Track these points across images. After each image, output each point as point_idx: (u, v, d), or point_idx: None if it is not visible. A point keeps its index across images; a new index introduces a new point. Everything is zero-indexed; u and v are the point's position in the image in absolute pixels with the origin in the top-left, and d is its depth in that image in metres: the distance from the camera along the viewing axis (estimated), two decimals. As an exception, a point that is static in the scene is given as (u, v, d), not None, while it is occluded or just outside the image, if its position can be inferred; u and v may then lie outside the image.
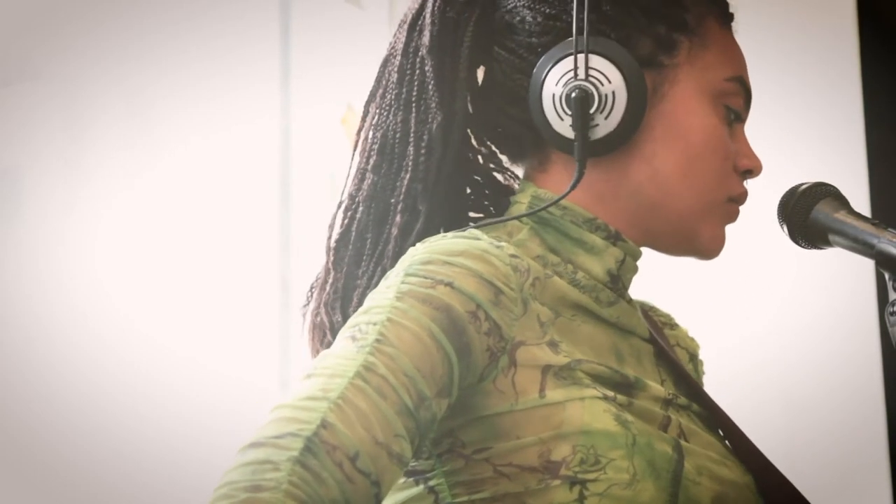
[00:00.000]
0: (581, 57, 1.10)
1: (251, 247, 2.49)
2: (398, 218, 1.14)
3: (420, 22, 1.17)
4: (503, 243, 1.07)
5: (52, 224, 2.15)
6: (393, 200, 1.15)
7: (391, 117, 1.16)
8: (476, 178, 1.22)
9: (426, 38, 1.16)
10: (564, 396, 1.04)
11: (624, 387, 1.09)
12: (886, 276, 1.06)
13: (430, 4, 1.17)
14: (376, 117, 1.17)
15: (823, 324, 2.52)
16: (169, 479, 2.19)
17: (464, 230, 1.08)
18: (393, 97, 1.17)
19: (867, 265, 2.38)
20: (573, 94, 1.10)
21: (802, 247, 1.16)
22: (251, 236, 2.49)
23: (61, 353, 2.11)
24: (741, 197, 1.18)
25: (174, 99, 2.35)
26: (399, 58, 1.17)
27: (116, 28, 2.27)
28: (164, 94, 2.33)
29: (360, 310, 1.03)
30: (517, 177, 1.22)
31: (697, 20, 1.16)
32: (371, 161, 1.16)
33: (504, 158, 1.23)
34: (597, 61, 1.11)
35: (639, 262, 1.19)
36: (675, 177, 1.14)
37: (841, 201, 1.13)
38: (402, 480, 1.07)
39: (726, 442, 1.17)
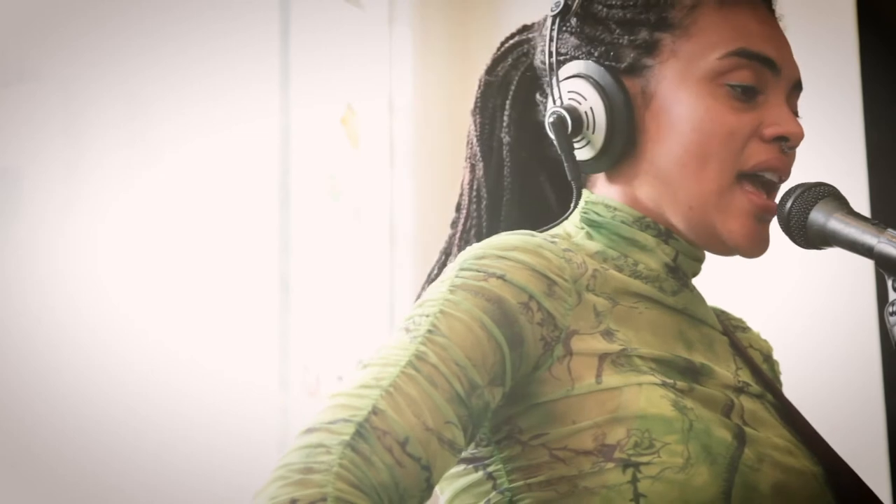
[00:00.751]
0: (556, 85, 1.20)
1: (250, 247, 2.48)
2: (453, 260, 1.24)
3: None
4: (557, 239, 1.13)
5: (52, 225, 2.15)
6: (455, 248, 1.26)
7: (464, 176, 1.29)
8: (553, 209, 1.30)
9: (472, 101, 1.29)
10: (621, 382, 1.07)
11: (689, 372, 1.11)
12: (886, 276, 1.06)
13: (483, 68, 1.31)
14: (461, 179, 1.31)
15: (823, 324, 2.52)
16: (169, 479, 2.19)
17: (519, 230, 1.15)
18: (465, 159, 1.30)
19: (867, 265, 2.38)
20: (550, 121, 1.19)
21: (802, 247, 1.16)
22: (251, 236, 2.49)
23: (60, 353, 2.11)
24: (759, 167, 1.17)
25: (174, 99, 2.35)
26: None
27: (116, 29, 2.26)
28: (164, 95, 2.33)
29: (417, 303, 1.08)
30: None
31: (685, 12, 1.19)
32: (452, 217, 1.29)
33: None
34: (576, 83, 1.19)
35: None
36: (674, 169, 1.17)
37: (840, 201, 1.13)
38: (461, 467, 1.11)
39: (799, 435, 1.18)
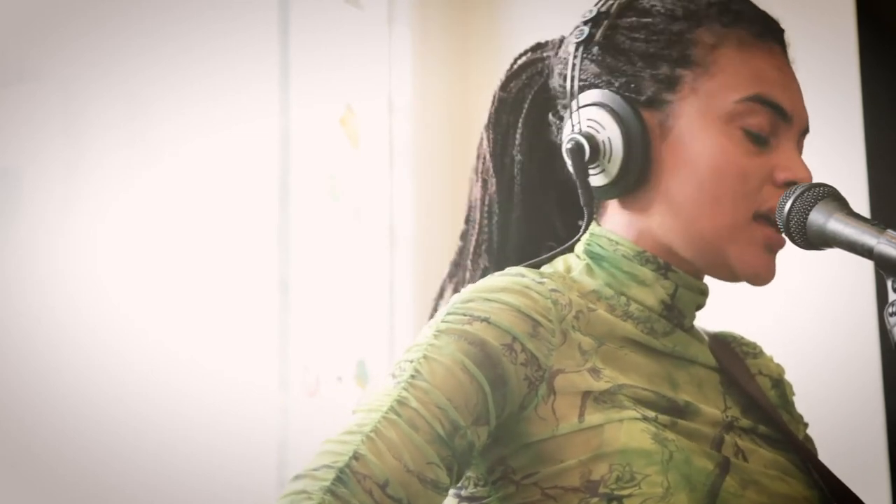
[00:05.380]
0: (576, 112, 1.23)
1: (250, 247, 2.48)
2: (468, 276, 1.29)
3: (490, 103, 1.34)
4: (545, 279, 1.16)
5: (52, 225, 2.15)
6: (469, 262, 1.29)
7: (473, 189, 1.32)
8: (558, 232, 1.33)
9: (486, 117, 1.32)
10: (603, 419, 1.10)
11: (672, 410, 1.14)
12: (886, 276, 1.06)
13: (497, 84, 1.33)
14: (469, 191, 1.33)
15: (823, 324, 2.52)
16: (169, 479, 2.19)
17: (510, 269, 1.18)
18: (473, 171, 1.33)
19: (867, 265, 2.38)
20: (568, 146, 1.22)
21: (802, 248, 1.16)
22: (250, 236, 2.49)
23: (60, 353, 2.11)
24: (773, 211, 1.19)
25: (173, 99, 2.35)
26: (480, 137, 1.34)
27: (116, 29, 2.26)
28: (164, 95, 2.33)
29: (406, 348, 1.12)
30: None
31: (706, 51, 1.21)
32: (462, 230, 1.32)
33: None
34: (595, 112, 1.22)
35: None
36: (688, 203, 1.19)
37: (840, 202, 1.13)
38: None
39: (800, 462, 1.22)
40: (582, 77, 1.24)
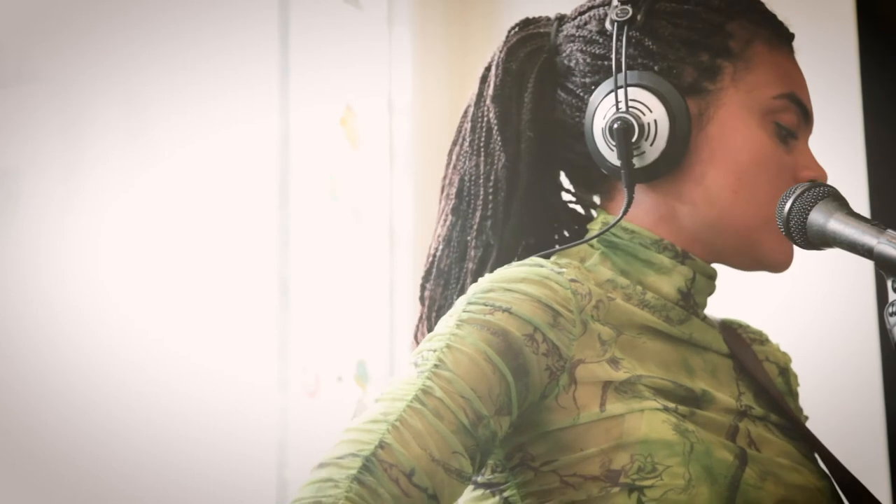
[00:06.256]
0: (621, 91, 1.19)
1: (250, 247, 2.48)
2: (473, 253, 1.25)
3: (488, 74, 1.29)
4: (564, 269, 1.15)
5: (52, 225, 2.15)
6: (469, 238, 1.26)
7: (467, 162, 1.27)
8: (555, 210, 1.31)
9: (491, 88, 1.27)
10: (624, 409, 1.10)
11: (689, 400, 1.15)
12: (886, 276, 1.06)
13: (496, 57, 1.29)
14: (456, 163, 1.29)
15: (823, 324, 2.52)
16: (167, 479, 2.19)
17: (528, 259, 1.17)
18: (468, 144, 1.28)
19: (867, 265, 2.38)
20: (615, 126, 1.18)
21: (802, 247, 1.16)
22: (250, 237, 2.49)
23: (60, 353, 2.11)
24: None
25: (173, 99, 2.34)
26: (472, 108, 1.29)
27: (115, 29, 2.26)
28: (163, 95, 2.33)
29: (426, 337, 1.12)
30: (596, 206, 1.30)
31: (742, 45, 1.22)
32: (451, 203, 1.27)
33: (582, 191, 1.32)
34: (639, 93, 1.20)
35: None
36: (726, 194, 1.20)
37: (840, 202, 1.13)
38: (479, 492, 1.16)
39: (807, 450, 1.22)
40: (610, 56, 1.21)
